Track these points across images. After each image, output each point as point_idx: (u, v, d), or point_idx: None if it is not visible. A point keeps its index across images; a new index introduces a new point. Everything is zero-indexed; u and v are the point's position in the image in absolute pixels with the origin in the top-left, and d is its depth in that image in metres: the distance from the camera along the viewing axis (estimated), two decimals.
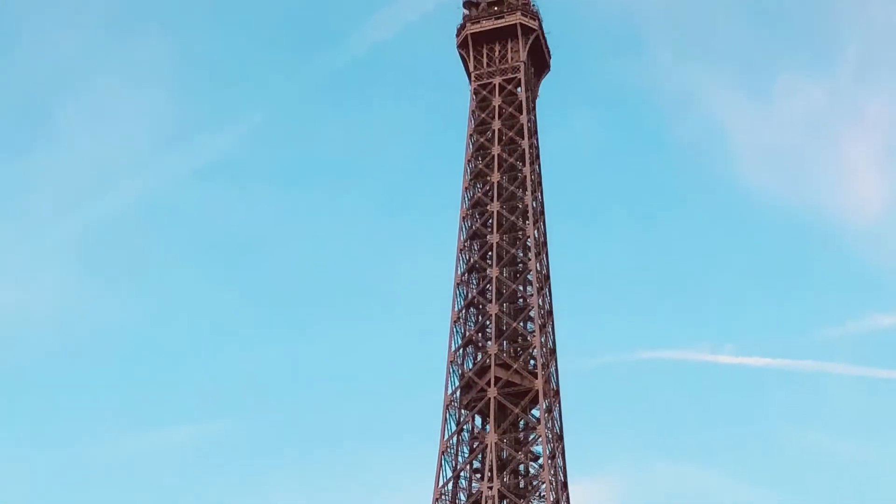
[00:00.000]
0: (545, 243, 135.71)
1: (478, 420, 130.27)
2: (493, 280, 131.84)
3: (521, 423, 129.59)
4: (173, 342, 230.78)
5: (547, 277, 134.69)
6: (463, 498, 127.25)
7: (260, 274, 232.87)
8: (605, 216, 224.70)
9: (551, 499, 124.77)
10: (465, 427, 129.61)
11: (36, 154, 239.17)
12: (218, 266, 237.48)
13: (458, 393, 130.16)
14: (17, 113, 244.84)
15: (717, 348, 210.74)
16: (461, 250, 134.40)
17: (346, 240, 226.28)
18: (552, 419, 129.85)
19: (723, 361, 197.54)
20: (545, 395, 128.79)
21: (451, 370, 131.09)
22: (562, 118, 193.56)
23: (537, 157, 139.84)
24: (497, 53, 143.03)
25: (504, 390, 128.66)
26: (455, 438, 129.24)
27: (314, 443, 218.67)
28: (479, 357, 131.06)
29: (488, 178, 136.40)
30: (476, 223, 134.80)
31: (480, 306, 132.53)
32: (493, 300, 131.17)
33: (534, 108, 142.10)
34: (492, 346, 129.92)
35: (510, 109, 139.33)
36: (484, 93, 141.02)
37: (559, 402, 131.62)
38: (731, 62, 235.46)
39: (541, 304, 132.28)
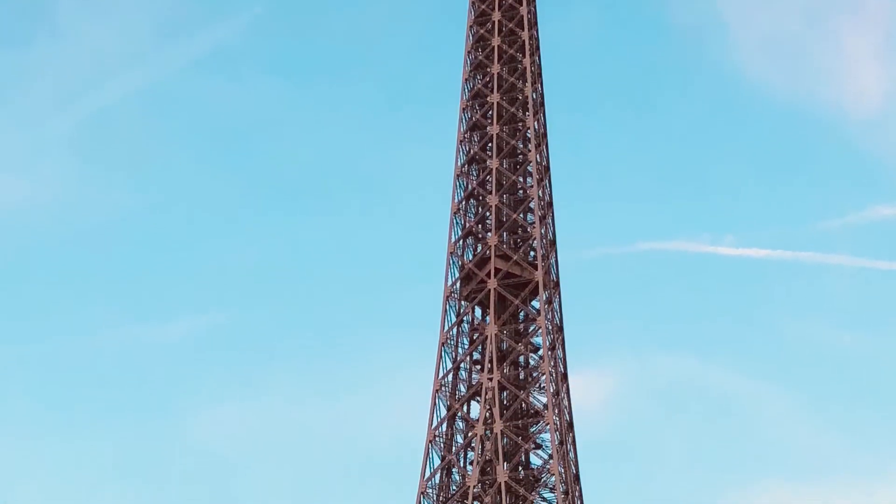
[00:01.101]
0: (545, 134, 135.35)
1: (478, 311, 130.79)
2: (493, 171, 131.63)
3: (521, 314, 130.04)
4: (173, 233, 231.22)
5: (547, 169, 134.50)
6: (463, 389, 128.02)
7: (260, 165, 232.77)
8: (604, 107, 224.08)
9: (551, 390, 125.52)
10: (464, 318, 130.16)
11: (36, 45, 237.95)
12: (218, 157, 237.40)
13: (457, 284, 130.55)
14: (18, 4, 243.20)
15: (717, 239, 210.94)
16: (461, 142, 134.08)
17: (346, 130, 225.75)
18: (552, 310, 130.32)
19: (723, 253, 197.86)
20: (545, 286, 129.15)
21: (450, 262, 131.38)
22: (561, 8, 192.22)
23: (537, 48, 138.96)
24: None
25: (504, 282, 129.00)
26: (455, 330, 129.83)
27: (314, 333, 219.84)
28: (479, 248, 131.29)
29: (488, 70, 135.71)
30: (476, 114, 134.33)
31: (480, 198, 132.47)
32: (493, 191, 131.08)
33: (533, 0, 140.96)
34: (492, 238, 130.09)
35: (510, 1, 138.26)
36: None
37: (559, 294, 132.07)
38: None
39: (541, 195, 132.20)
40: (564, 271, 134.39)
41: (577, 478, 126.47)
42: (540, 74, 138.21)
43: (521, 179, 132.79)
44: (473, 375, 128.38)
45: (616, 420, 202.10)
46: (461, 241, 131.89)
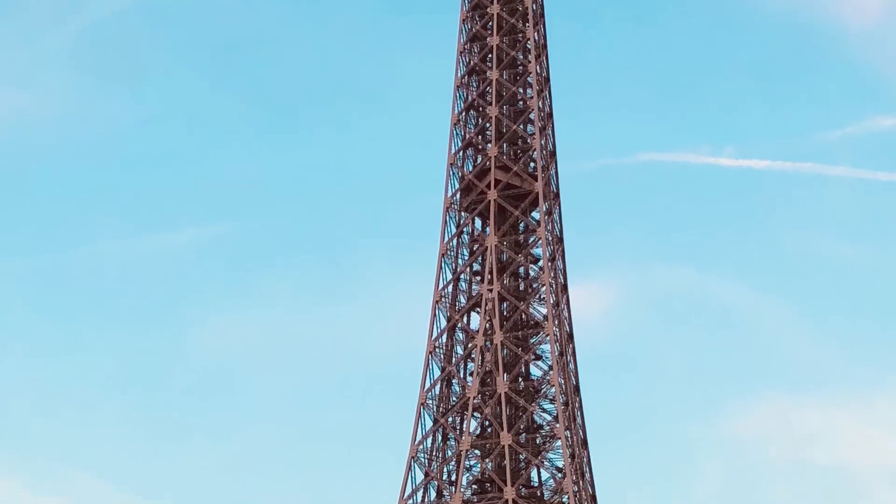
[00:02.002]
0: (545, 45, 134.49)
1: (478, 223, 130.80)
2: (493, 82, 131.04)
3: (521, 225, 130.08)
4: (173, 145, 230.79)
5: (547, 79, 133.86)
6: (463, 300, 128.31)
7: (259, 76, 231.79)
8: (604, 19, 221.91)
9: (551, 301, 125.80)
10: (465, 229, 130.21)
11: None
12: (217, 69, 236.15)
13: (457, 195, 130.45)
14: None
15: (717, 151, 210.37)
16: (461, 53, 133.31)
17: (346, 42, 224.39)
18: (552, 221, 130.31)
19: (723, 164, 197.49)
20: (545, 197, 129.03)
21: (450, 173, 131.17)
22: None
23: None
24: None
25: (504, 192, 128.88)
26: (455, 241, 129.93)
27: (314, 244, 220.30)
28: (479, 159, 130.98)
29: None
30: (476, 26, 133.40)
31: (480, 109, 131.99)
32: (493, 102, 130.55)
33: None
34: (492, 149, 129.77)
35: None
36: None
37: (559, 205, 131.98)
38: None
39: (541, 106, 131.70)
40: (564, 182, 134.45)
41: (577, 389, 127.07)
42: None
43: (521, 91, 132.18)
44: (473, 287, 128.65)
45: (616, 331, 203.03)
46: (461, 153, 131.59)
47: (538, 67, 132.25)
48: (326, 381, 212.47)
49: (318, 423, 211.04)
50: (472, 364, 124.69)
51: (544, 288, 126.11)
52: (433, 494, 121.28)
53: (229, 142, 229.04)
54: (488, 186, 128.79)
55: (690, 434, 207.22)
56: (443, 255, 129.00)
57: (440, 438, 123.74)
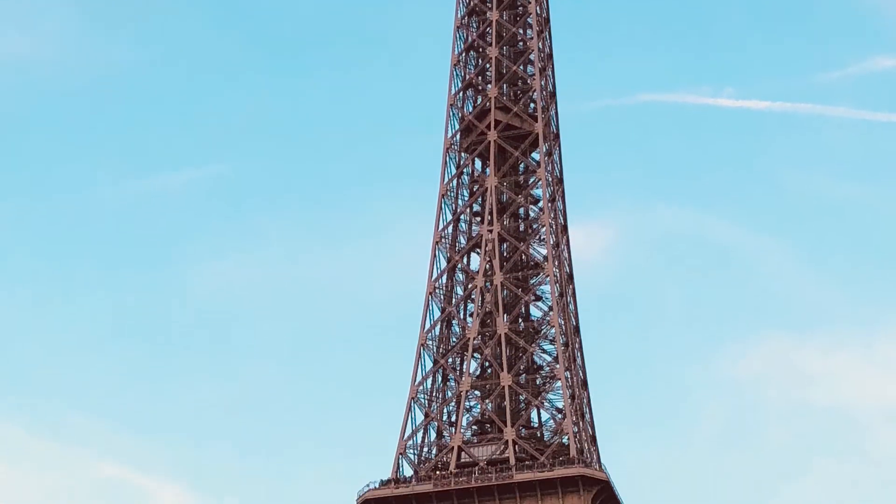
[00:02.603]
0: None
1: (477, 163, 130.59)
2: (493, 23, 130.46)
3: (521, 166, 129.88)
4: (174, 87, 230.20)
5: (547, 20, 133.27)
6: (463, 241, 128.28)
7: (260, 19, 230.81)
8: None
9: (551, 242, 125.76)
10: (465, 170, 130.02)
11: None
12: (219, 11, 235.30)
13: (457, 136, 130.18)
14: None
15: (717, 91, 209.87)
16: None
17: None
18: (552, 162, 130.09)
19: (723, 105, 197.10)
20: (545, 138, 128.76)
21: (451, 114, 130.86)
22: None
23: None
24: None
25: (504, 133, 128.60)
26: (455, 182, 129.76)
27: (314, 185, 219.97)
28: (479, 100, 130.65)
29: None
30: None
31: (480, 49, 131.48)
32: (493, 43, 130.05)
33: None
34: (492, 90, 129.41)
35: None
36: None
37: (559, 146, 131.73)
38: None
39: (541, 47, 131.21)
40: (564, 123, 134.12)
41: (576, 329, 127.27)
42: None
43: (521, 31, 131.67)
44: (473, 227, 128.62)
45: (616, 272, 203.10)
46: (461, 93, 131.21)
47: (538, 8, 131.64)
48: (326, 323, 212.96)
49: (319, 364, 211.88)
50: (472, 305, 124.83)
51: (544, 228, 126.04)
52: (433, 435, 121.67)
53: (230, 83, 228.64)
54: (488, 127, 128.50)
55: (690, 375, 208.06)
56: (443, 195, 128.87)
57: (440, 379, 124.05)
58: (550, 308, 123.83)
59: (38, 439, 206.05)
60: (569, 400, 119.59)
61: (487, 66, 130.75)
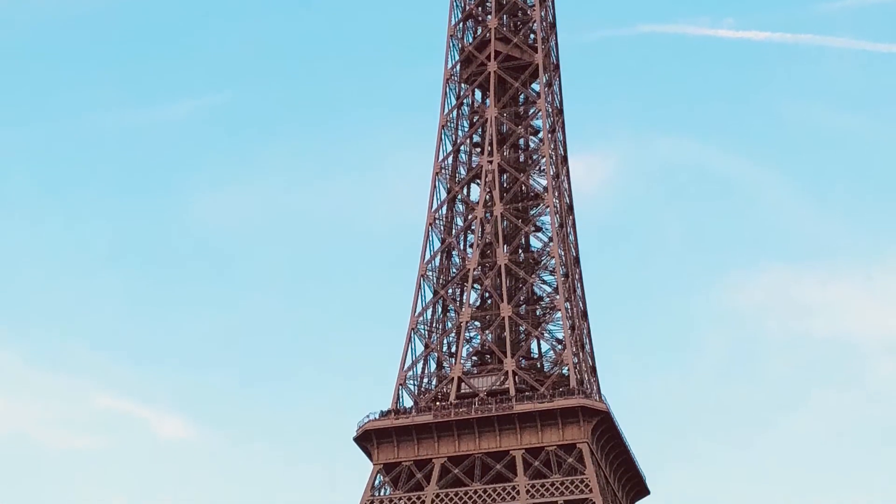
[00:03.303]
0: None
1: (477, 94, 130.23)
2: None
3: (521, 97, 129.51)
4: (173, 15, 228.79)
5: None
6: (463, 172, 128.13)
7: None
8: None
9: (551, 172, 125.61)
10: (465, 101, 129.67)
11: None
12: None
13: (457, 67, 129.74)
14: None
15: (716, 22, 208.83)
16: None
17: None
18: (552, 93, 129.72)
19: (723, 35, 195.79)
20: (545, 69, 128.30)
21: (450, 44, 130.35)
22: None
23: None
24: None
25: (504, 64, 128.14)
26: (455, 113, 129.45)
27: (313, 115, 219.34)
28: (479, 31, 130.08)
29: None
30: None
31: None
32: None
33: None
34: (492, 20, 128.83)
35: None
36: None
37: (559, 77, 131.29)
38: None
39: None
40: (564, 54, 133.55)
41: (576, 260, 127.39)
42: None
43: None
44: (473, 158, 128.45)
45: (616, 203, 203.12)
46: (461, 24, 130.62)
47: None
48: (326, 253, 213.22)
49: (319, 294, 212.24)
50: (472, 236, 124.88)
51: (544, 159, 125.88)
52: (433, 366, 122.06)
53: (229, 13, 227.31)
54: (488, 58, 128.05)
55: (690, 306, 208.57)
56: (443, 126, 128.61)
57: (440, 310, 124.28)
58: (550, 239, 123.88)
59: (36, 368, 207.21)
60: (569, 331, 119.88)
61: None
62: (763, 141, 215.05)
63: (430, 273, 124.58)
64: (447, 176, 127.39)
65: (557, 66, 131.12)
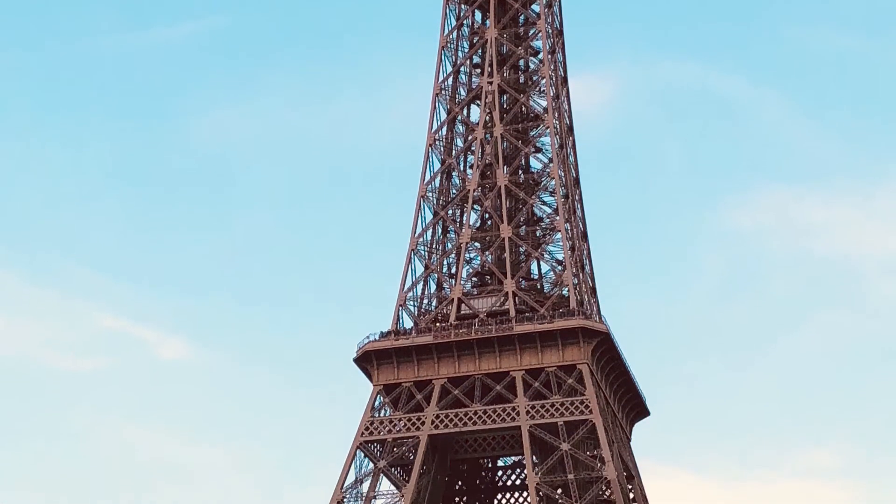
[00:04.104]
0: None
1: (478, 15, 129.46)
2: None
3: (522, 17, 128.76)
4: None
5: None
6: (463, 93, 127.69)
7: None
8: None
9: (551, 94, 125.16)
10: (465, 22, 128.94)
11: None
12: None
13: None
14: None
15: None
16: None
17: None
18: (552, 14, 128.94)
19: None
20: None
21: None
22: None
23: None
24: None
25: None
26: (455, 33, 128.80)
27: (313, 36, 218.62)
28: None
29: None
30: None
31: None
32: None
33: None
34: None
35: None
36: None
37: None
38: None
39: None
40: None
41: (576, 182, 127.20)
42: None
43: None
44: (473, 79, 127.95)
45: (616, 124, 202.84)
46: None
47: None
48: (326, 174, 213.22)
49: (318, 215, 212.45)
50: (472, 157, 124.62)
51: (544, 80, 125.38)
52: (433, 287, 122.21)
53: None
54: None
55: (690, 226, 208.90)
56: (443, 47, 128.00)
57: (440, 231, 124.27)
58: (550, 160, 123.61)
59: (37, 288, 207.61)
60: (569, 251, 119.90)
61: None
62: (764, 62, 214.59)
63: (430, 194, 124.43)
64: (447, 97, 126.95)
65: None
